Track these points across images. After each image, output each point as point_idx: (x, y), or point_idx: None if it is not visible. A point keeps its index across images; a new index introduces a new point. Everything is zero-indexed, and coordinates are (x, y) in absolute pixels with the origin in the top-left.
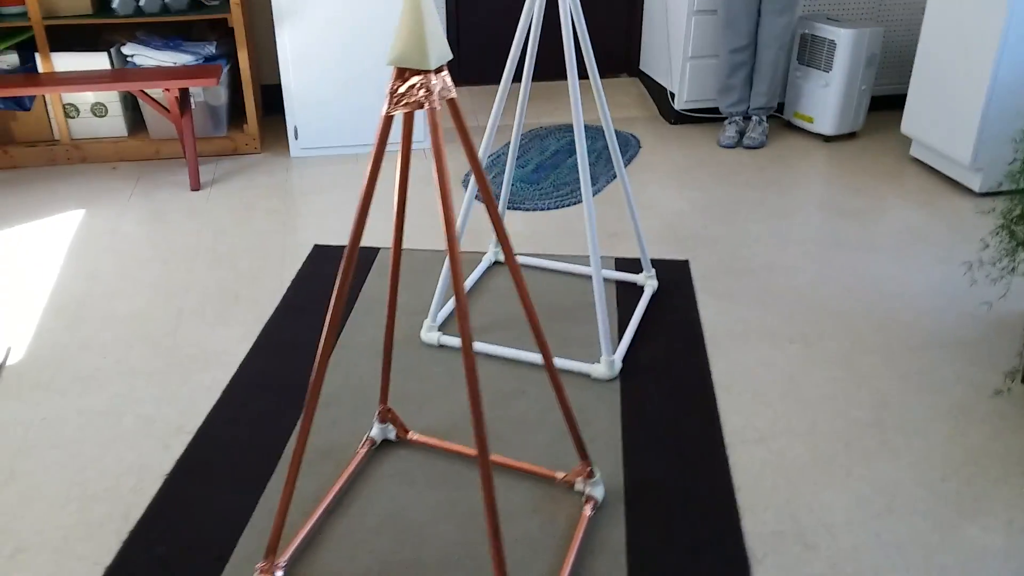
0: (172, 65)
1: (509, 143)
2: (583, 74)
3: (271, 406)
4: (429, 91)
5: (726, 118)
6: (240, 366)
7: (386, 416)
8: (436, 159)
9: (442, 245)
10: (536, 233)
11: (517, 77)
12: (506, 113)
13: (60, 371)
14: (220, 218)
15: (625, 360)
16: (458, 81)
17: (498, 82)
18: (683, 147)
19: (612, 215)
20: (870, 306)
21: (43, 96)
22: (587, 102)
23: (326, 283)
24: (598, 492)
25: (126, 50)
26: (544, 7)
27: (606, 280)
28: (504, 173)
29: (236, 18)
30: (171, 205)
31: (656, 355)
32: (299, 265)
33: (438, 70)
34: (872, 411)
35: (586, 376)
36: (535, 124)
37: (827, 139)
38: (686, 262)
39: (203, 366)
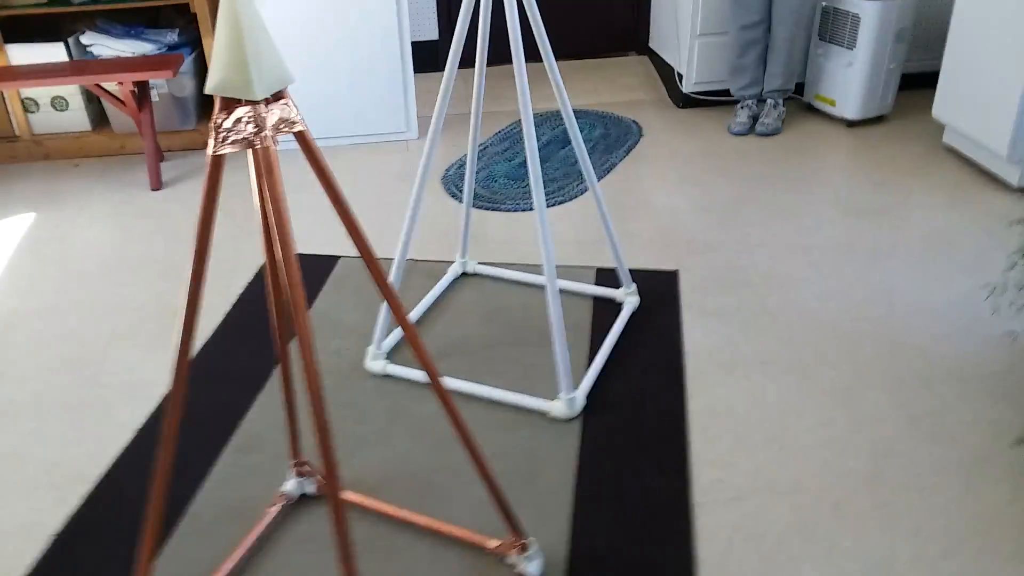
0: (131, 55)
1: (498, 132)
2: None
3: (186, 449)
4: (259, 126)
5: (738, 102)
6: (162, 400)
7: (302, 469)
8: (275, 211)
9: (408, 255)
10: (515, 238)
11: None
12: (509, 100)
13: None
14: (177, 223)
15: (592, 394)
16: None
17: (503, 63)
18: (689, 134)
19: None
20: (880, 326)
21: None
22: (591, 83)
23: None
24: (532, 568)
25: (84, 39)
26: None
27: (582, 296)
28: (491, 167)
29: (199, 2)
30: (127, 208)
31: (627, 389)
32: (250, 278)
33: (275, 97)
34: (871, 462)
35: (544, 415)
36: None
37: (851, 124)
38: (675, 273)
39: (124, 399)
